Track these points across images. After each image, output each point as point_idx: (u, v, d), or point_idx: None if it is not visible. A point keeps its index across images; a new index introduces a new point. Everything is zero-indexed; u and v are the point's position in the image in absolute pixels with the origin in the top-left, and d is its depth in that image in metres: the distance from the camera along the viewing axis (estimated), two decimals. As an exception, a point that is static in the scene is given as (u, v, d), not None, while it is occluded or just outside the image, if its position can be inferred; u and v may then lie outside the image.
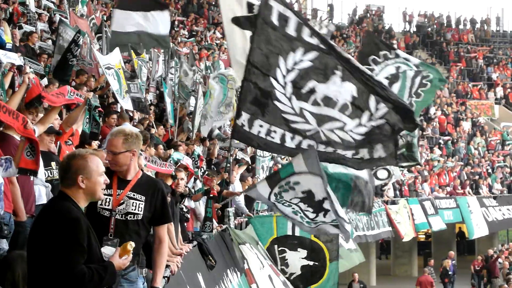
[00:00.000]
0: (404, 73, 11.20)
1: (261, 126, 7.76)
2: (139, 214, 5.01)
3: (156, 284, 5.22)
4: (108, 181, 4.39)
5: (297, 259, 11.19)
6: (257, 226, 11.82)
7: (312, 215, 8.08)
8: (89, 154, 4.25)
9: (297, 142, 7.85)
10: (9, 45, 11.47)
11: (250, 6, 9.97)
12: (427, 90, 11.33)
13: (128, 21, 14.44)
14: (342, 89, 7.60)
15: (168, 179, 9.12)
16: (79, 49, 12.42)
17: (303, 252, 11.16)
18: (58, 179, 4.36)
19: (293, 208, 8.11)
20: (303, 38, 7.69)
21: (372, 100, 7.53)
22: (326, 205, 7.89)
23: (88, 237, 4.03)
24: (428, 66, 12.38)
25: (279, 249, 11.46)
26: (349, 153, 7.78)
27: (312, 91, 7.65)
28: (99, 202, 4.92)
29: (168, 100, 15.04)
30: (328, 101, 7.66)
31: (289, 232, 11.37)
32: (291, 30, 7.72)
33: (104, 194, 4.81)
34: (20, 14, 16.15)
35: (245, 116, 7.87)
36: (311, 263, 11.15)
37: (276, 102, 7.70)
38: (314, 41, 7.67)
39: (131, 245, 4.29)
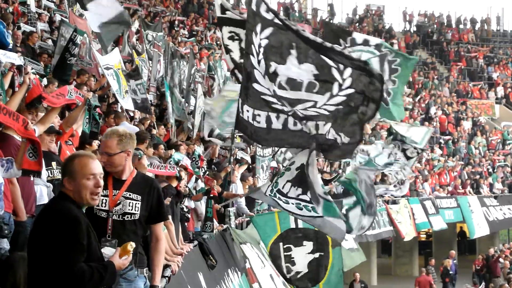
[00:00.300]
0: (368, 61, 10.95)
1: (247, 111, 7.56)
2: (136, 214, 4.99)
3: (155, 282, 5.20)
4: (102, 183, 4.30)
5: (303, 255, 11.10)
6: (259, 225, 11.75)
7: (308, 197, 7.85)
8: (80, 155, 4.23)
9: (283, 120, 7.57)
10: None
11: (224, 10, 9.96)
12: (399, 75, 11.11)
13: (97, 15, 13.68)
14: (301, 70, 7.31)
15: (173, 181, 9.10)
16: (76, 48, 12.36)
17: (309, 245, 11.07)
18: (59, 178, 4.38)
19: (292, 203, 7.94)
20: (260, 12, 7.40)
21: (335, 72, 7.22)
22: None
23: (88, 236, 4.02)
24: (390, 47, 12.08)
25: (285, 246, 11.36)
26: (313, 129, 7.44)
27: (275, 73, 7.36)
28: None
29: (169, 100, 15.01)
30: (293, 84, 7.27)
31: (293, 225, 11.26)
32: (253, 3, 7.48)
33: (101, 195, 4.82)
34: (20, 14, 16.13)
35: (240, 102, 7.71)
36: (317, 255, 11.06)
37: (255, 85, 7.41)
38: (270, 16, 7.37)
39: (131, 246, 4.28)
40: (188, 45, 26.16)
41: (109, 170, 5.03)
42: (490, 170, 34.02)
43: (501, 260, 26.63)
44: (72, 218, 3.99)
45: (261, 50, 7.32)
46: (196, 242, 9.55)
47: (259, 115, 7.53)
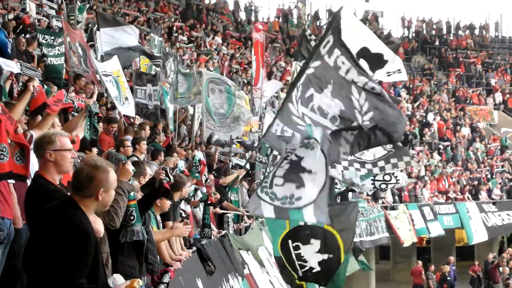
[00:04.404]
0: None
1: (278, 125, 7.98)
2: None
3: None
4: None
5: (312, 254, 10.72)
6: (270, 221, 11.35)
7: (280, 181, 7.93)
8: (109, 167, 4.19)
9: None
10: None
11: None
12: None
13: (115, 38, 14.66)
14: (332, 103, 7.80)
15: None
16: (44, 48, 12.61)
17: (316, 244, 10.70)
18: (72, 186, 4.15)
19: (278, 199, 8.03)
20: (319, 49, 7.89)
21: (357, 113, 7.73)
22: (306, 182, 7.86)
23: (95, 251, 3.95)
24: None
25: (293, 244, 10.88)
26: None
27: (310, 98, 7.85)
28: None
29: (168, 105, 15.00)
30: (321, 112, 7.87)
31: (301, 223, 10.86)
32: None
33: None
34: (27, 23, 16.15)
35: (275, 116, 8.18)
36: (325, 256, 10.73)
37: (289, 104, 7.94)
38: (324, 51, 7.86)
39: (138, 283, 4.30)
40: (185, 50, 26.21)
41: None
42: (489, 176, 34.05)
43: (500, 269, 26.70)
44: (82, 230, 3.88)
45: (302, 77, 7.98)
46: (194, 248, 9.57)
47: (286, 131, 8.02)
